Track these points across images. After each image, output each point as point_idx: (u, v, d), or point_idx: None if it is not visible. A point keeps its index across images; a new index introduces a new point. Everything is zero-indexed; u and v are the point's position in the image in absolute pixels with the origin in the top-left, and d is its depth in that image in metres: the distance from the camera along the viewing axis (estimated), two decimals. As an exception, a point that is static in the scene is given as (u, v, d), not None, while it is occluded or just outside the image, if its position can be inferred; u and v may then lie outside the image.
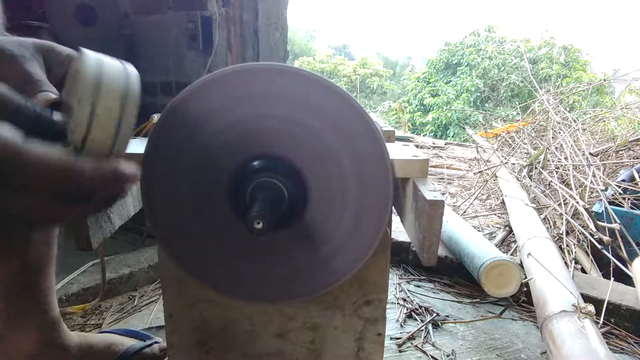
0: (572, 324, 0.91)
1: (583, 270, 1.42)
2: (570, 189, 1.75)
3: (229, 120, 0.45)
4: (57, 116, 0.33)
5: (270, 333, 0.60)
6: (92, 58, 0.34)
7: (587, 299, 1.11)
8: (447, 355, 1.00)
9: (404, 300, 1.24)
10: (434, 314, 1.16)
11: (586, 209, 1.45)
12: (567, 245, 1.48)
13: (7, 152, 0.26)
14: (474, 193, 2.30)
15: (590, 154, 2.07)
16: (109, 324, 1.06)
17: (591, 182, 1.65)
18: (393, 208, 0.52)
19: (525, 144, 2.71)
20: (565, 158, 2.05)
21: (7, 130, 0.27)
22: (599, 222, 1.39)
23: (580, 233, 1.49)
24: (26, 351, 0.71)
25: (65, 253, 0.79)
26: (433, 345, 1.04)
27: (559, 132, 2.30)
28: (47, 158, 0.28)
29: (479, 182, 2.49)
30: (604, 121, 2.78)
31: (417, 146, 4.05)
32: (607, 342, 0.92)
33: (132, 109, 0.34)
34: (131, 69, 0.36)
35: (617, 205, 1.53)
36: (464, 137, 8.80)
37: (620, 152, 2.16)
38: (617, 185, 1.61)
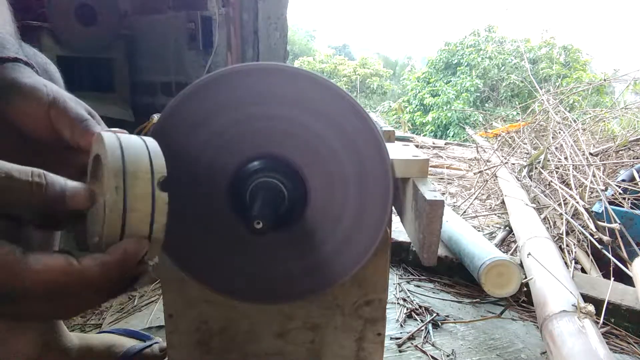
0: (572, 324, 0.91)
1: (583, 270, 1.42)
2: (570, 189, 1.75)
3: (229, 120, 0.45)
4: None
5: (270, 333, 0.60)
6: (113, 143, 0.32)
7: (587, 299, 1.11)
8: (447, 355, 1.00)
9: (404, 300, 1.24)
10: (434, 314, 1.16)
11: (586, 209, 1.45)
12: (567, 245, 1.48)
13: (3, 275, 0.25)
14: (474, 193, 2.30)
15: (590, 154, 2.07)
16: (109, 324, 1.06)
17: (591, 182, 1.65)
18: (393, 208, 0.52)
19: (525, 144, 2.71)
20: (565, 158, 2.05)
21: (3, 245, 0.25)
22: (599, 222, 1.39)
23: (580, 233, 1.49)
24: (26, 354, 0.71)
25: (65, 253, 0.79)
26: (433, 345, 1.04)
27: (559, 132, 2.30)
28: (48, 274, 0.26)
29: (479, 182, 2.49)
30: (604, 121, 2.78)
31: (417, 146, 4.05)
32: (607, 342, 0.92)
33: (163, 198, 0.33)
34: (153, 145, 0.35)
35: (617, 205, 1.53)
36: (464, 137, 8.80)
37: (620, 152, 2.16)
38: (617, 185, 1.61)
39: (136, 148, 0.33)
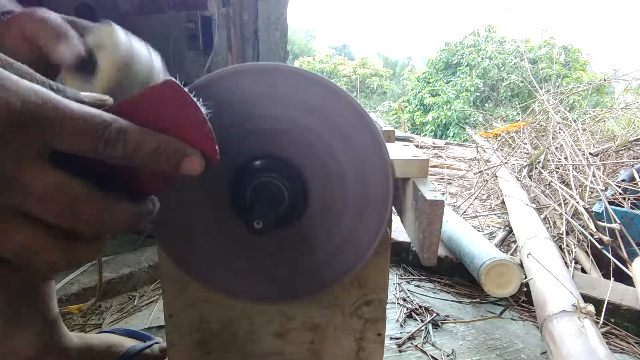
0: (572, 324, 0.91)
1: (583, 270, 1.42)
2: (570, 189, 1.75)
3: (230, 120, 0.45)
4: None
5: (270, 333, 0.60)
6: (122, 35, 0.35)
7: (587, 299, 1.11)
8: (447, 355, 1.00)
9: (404, 300, 1.24)
10: (434, 314, 1.16)
11: (586, 209, 1.45)
12: (567, 245, 1.48)
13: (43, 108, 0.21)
14: (474, 193, 2.30)
15: (590, 154, 2.07)
16: (109, 324, 1.06)
17: (591, 182, 1.65)
18: (393, 208, 0.52)
19: (525, 144, 2.71)
20: (565, 158, 2.05)
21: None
22: (599, 222, 1.39)
23: (580, 233, 1.49)
24: (25, 354, 0.71)
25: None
26: (433, 345, 1.04)
27: (559, 132, 2.30)
28: (84, 114, 0.23)
29: (479, 182, 2.49)
30: (604, 121, 2.78)
31: (417, 146, 4.05)
32: (607, 342, 0.92)
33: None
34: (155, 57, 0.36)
35: (617, 205, 1.53)
36: (464, 137, 8.80)
37: (620, 152, 2.16)
38: (617, 185, 1.61)
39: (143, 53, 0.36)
